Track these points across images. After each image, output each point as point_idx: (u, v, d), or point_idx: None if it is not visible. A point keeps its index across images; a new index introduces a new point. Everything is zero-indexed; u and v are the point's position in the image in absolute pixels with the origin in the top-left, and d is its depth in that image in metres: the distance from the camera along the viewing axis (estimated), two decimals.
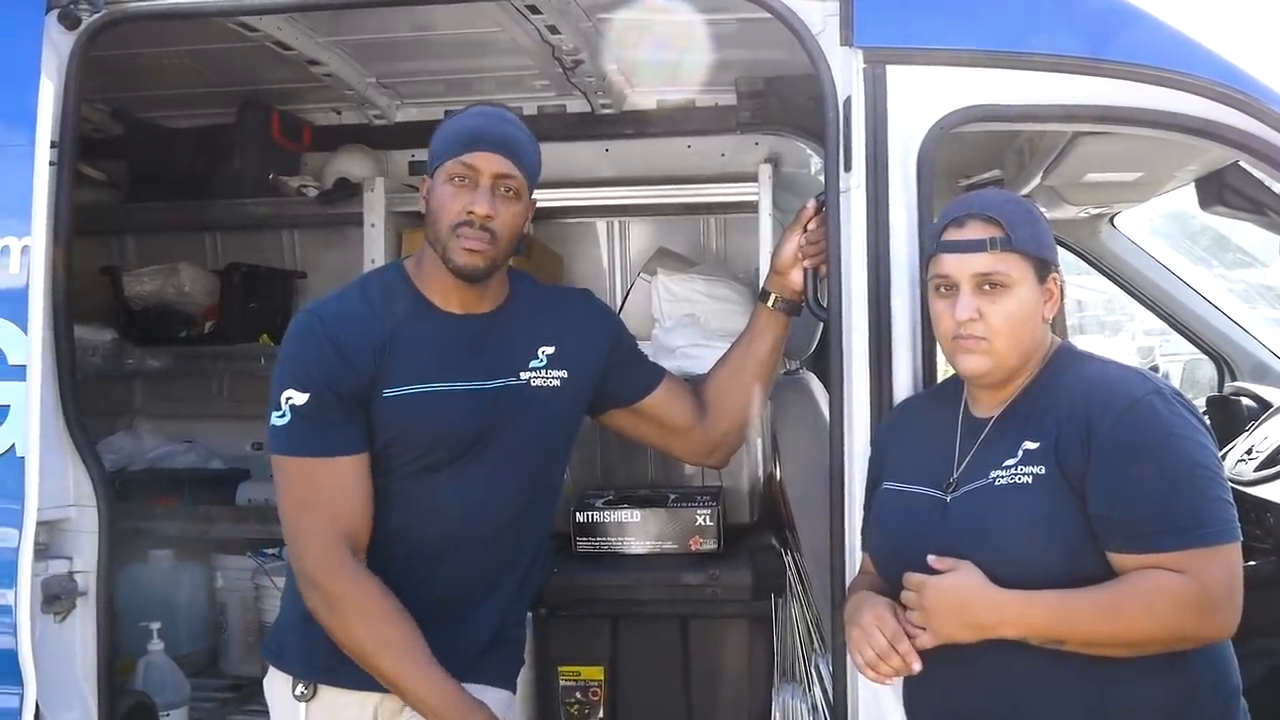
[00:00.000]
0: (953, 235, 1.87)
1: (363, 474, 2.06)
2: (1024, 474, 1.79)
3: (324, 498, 2.04)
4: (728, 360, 2.43)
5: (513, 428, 2.15)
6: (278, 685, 2.18)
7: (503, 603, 2.20)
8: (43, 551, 2.32)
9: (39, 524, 2.25)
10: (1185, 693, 1.77)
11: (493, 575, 2.17)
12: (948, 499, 1.88)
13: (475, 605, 2.16)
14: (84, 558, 2.39)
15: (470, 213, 2.05)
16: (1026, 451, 1.80)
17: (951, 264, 1.86)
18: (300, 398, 2.03)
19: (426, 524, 2.12)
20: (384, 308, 2.13)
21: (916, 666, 1.77)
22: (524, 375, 2.18)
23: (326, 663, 2.09)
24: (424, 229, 2.16)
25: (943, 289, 1.89)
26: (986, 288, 1.83)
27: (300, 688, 2.13)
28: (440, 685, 2.01)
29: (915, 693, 1.96)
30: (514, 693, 2.29)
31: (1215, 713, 1.82)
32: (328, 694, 2.12)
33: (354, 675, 2.08)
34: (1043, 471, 1.78)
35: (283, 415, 2.05)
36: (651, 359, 2.46)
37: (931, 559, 1.78)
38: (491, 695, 2.15)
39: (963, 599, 1.74)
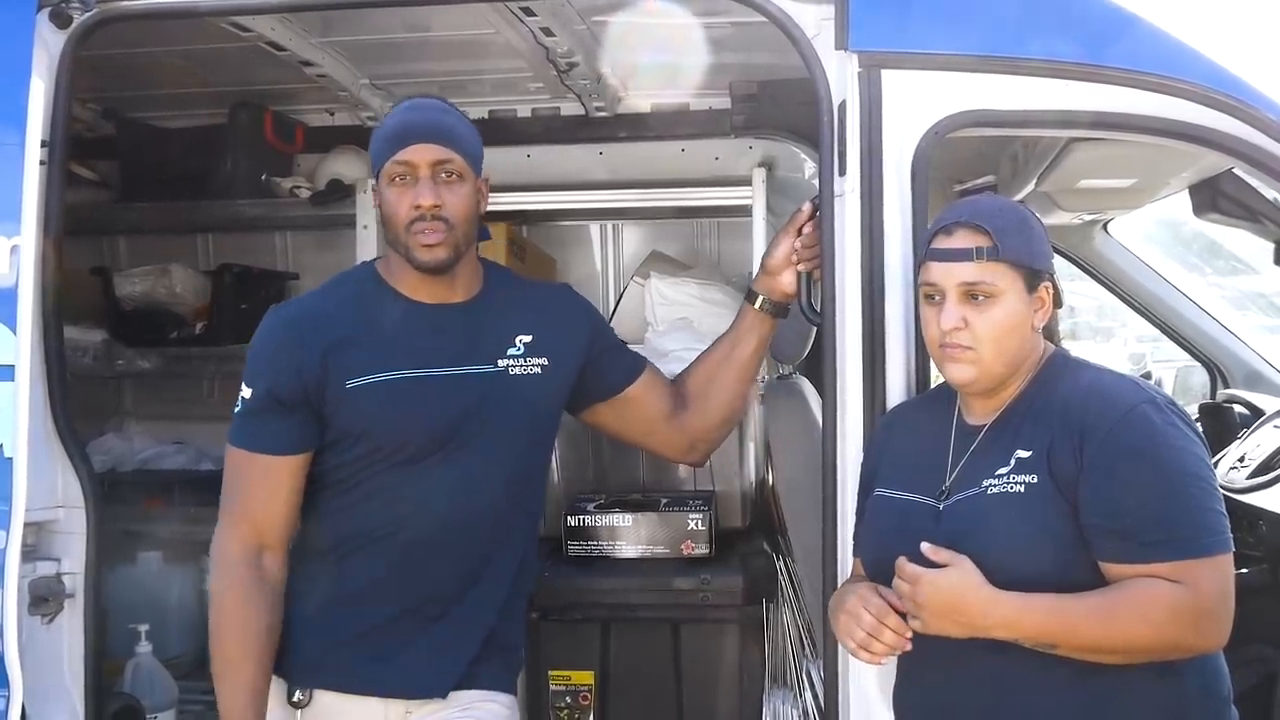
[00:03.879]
0: (941, 243, 1.86)
1: (289, 475, 2.10)
2: (1017, 482, 1.78)
3: (245, 491, 2.11)
4: (709, 358, 2.41)
5: (498, 417, 2.13)
6: (270, 691, 2.12)
7: (495, 601, 2.16)
8: (30, 553, 2.31)
9: (27, 525, 2.23)
10: (1176, 700, 1.77)
11: (480, 571, 2.14)
12: (940, 506, 1.87)
13: (464, 603, 2.13)
14: (72, 559, 2.38)
15: (417, 206, 2.07)
16: (1019, 460, 1.79)
17: (938, 272, 1.86)
18: (247, 392, 2.11)
19: (414, 519, 2.10)
20: (350, 303, 2.15)
21: (908, 643, 1.77)
22: (501, 363, 2.17)
23: (326, 665, 2.07)
24: (385, 235, 2.18)
25: (931, 297, 1.88)
26: (973, 297, 1.83)
27: (298, 694, 2.10)
28: (243, 711, 2.03)
29: (905, 695, 1.96)
30: (514, 694, 2.26)
31: None
32: (326, 699, 2.10)
33: (359, 679, 2.07)
34: (1035, 480, 1.77)
35: (237, 406, 2.12)
36: None
37: (926, 547, 1.75)
38: (496, 701, 2.14)
39: (958, 597, 1.72)
